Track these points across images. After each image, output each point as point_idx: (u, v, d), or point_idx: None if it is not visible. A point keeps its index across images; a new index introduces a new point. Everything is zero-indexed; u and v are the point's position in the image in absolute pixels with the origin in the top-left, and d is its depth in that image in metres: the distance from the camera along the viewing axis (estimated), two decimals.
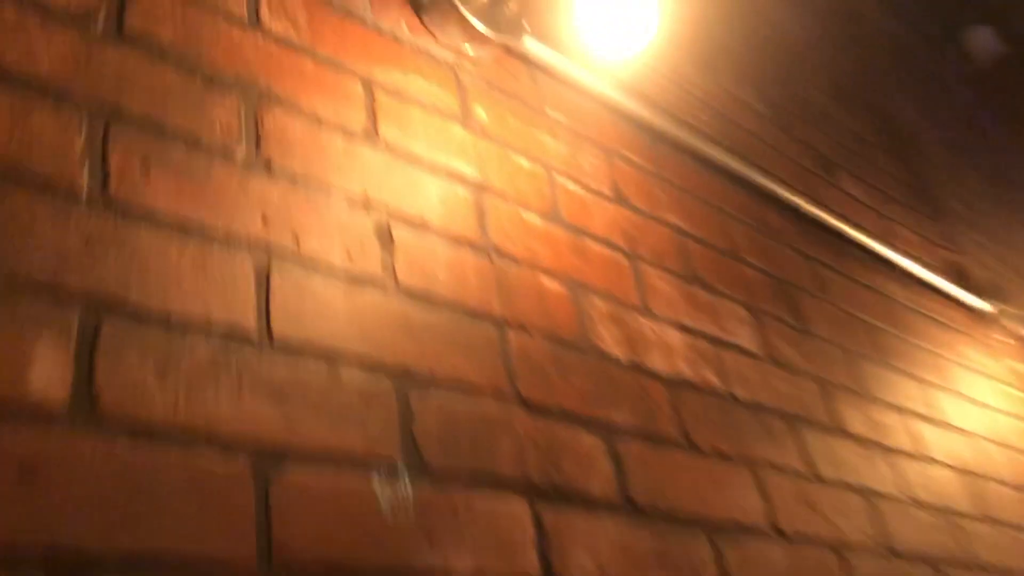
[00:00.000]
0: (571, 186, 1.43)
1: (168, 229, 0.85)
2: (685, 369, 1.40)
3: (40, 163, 0.79)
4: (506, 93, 1.42)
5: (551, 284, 1.26)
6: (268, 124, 1.02)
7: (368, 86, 1.18)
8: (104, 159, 0.84)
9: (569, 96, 1.55)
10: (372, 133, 1.14)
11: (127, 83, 0.90)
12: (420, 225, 1.12)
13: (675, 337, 1.43)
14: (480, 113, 1.34)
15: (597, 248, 1.39)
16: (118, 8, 0.94)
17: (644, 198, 1.59)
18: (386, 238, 1.07)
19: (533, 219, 1.31)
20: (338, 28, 1.19)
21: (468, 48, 1.36)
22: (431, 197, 1.16)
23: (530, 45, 1.46)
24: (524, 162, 1.36)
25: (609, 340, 1.29)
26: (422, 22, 1.33)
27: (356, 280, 1.00)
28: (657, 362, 1.36)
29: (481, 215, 1.22)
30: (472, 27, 1.34)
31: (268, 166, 0.98)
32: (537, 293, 1.23)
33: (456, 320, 1.09)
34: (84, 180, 0.82)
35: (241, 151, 0.97)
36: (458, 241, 1.16)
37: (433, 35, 1.34)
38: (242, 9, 1.08)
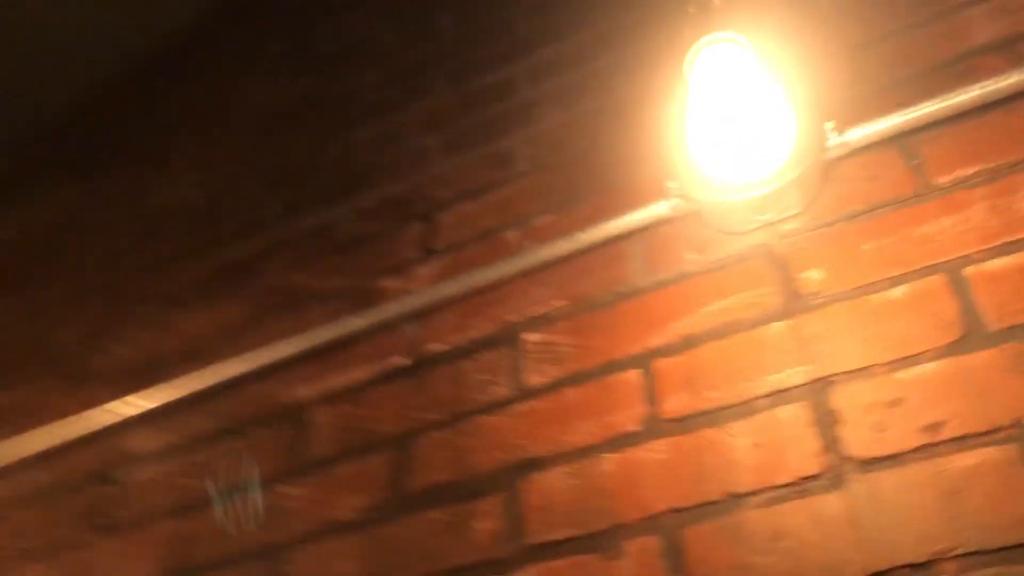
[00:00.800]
0: (1005, 261, 0.94)
1: None
2: None
3: None
4: (852, 216, 1.06)
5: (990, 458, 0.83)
6: (527, 500, 1.01)
7: (644, 364, 1.06)
8: None
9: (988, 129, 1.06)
10: (655, 420, 1.01)
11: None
12: (732, 505, 0.91)
13: None
14: (811, 277, 1.03)
15: None
16: (395, 484, 1.11)
17: None
18: (675, 553, 0.90)
19: (927, 370, 0.90)
20: (608, 323, 1.12)
21: (778, 211, 1.10)
22: (744, 457, 0.93)
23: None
24: (898, 292, 0.97)
25: None
26: (723, 230, 1.14)
27: None
28: None
29: (827, 425, 0.91)
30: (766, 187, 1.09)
31: (534, 553, 0.97)
32: (971, 496, 0.82)
33: None
34: None
35: (505, 548, 0.98)
36: (783, 500, 0.88)
37: (733, 232, 1.13)
38: (502, 388, 1.13)
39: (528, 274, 1.23)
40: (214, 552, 1.16)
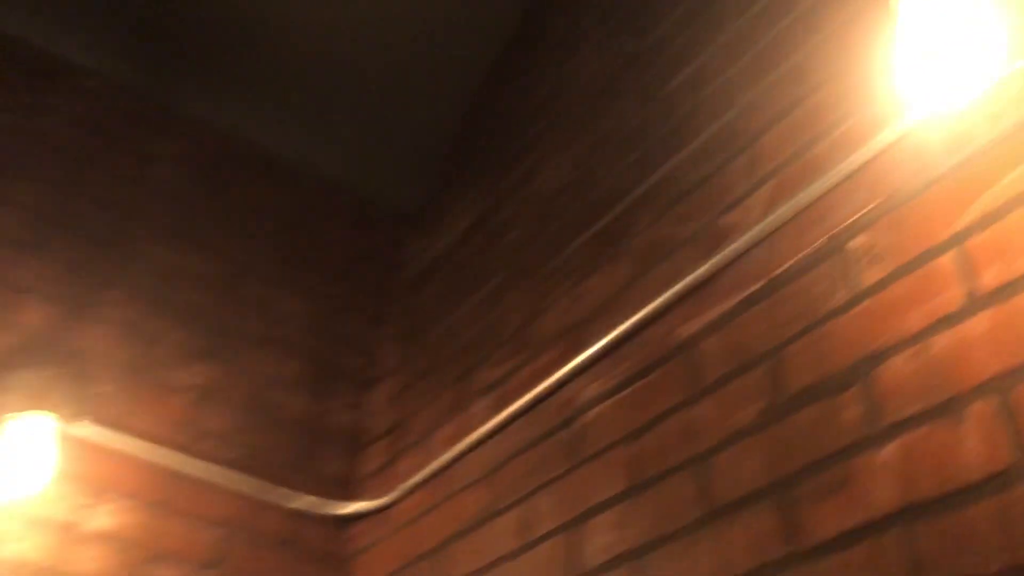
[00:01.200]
0: None
1: None
2: None
3: None
4: None
5: None
6: (879, 387, 1.21)
7: (957, 244, 1.18)
8: None
9: None
10: (974, 296, 1.14)
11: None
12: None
13: None
14: None
15: None
16: (775, 390, 1.37)
17: None
18: (1009, 411, 1.05)
19: None
20: (918, 214, 1.25)
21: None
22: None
23: None
24: None
25: None
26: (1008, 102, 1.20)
27: None
28: None
29: None
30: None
31: (892, 430, 1.17)
32: None
33: None
34: None
35: (870, 429, 1.20)
36: None
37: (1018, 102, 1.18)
38: (841, 294, 1.32)
39: (841, 184, 1.38)
40: (658, 467, 1.52)
